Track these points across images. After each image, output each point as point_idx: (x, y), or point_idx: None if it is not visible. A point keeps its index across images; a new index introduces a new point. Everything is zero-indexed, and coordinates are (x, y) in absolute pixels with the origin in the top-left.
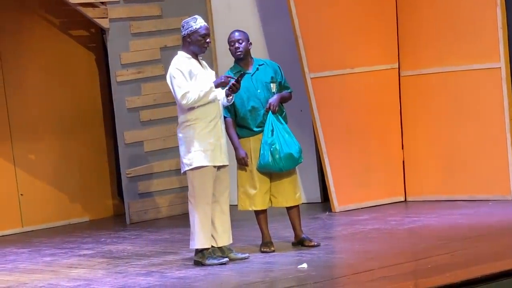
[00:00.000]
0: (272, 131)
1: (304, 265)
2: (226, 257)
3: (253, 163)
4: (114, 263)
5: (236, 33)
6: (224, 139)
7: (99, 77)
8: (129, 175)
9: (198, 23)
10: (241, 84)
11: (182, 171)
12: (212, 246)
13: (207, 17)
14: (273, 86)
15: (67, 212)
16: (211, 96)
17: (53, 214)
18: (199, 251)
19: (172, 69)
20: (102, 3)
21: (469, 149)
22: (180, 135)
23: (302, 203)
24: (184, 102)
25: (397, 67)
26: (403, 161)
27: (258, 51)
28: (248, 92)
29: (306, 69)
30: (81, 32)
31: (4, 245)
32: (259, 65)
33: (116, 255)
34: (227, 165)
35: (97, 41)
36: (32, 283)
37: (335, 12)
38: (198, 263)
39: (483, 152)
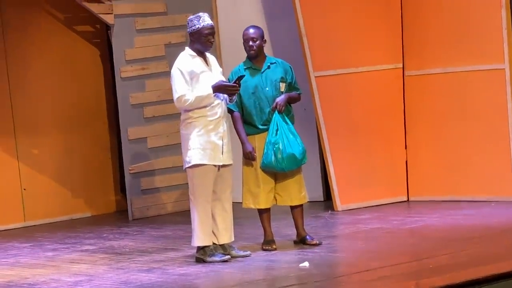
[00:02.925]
0: (277, 130)
1: (306, 264)
2: (227, 255)
3: (257, 161)
4: (116, 259)
5: (251, 30)
6: (227, 139)
7: (103, 73)
8: (132, 171)
9: (201, 21)
10: (241, 85)
11: (183, 168)
12: (214, 244)
13: (212, 13)
14: (282, 86)
15: (70, 207)
16: (208, 101)
17: (56, 209)
18: (200, 248)
19: (174, 68)
20: None
21: (472, 150)
22: (181, 132)
23: None
24: (178, 105)
25: (402, 67)
26: (406, 161)
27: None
28: (256, 89)
29: (310, 68)
30: (86, 28)
31: (6, 239)
32: (271, 63)
33: (118, 251)
34: (230, 164)
35: (101, 37)
36: (33, 278)
37: (340, 11)
38: (199, 260)
39: (486, 153)
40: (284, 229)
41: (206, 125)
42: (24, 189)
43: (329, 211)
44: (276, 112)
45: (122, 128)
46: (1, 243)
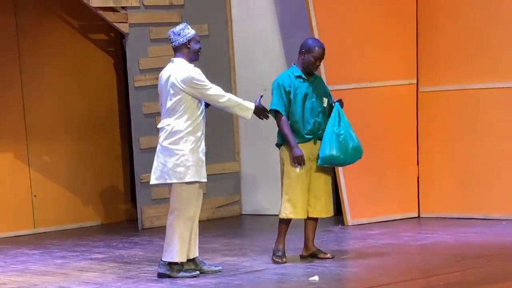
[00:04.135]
0: (339, 122)
1: (316, 278)
2: (197, 270)
3: (298, 171)
4: (125, 268)
5: (322, 49)
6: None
7: (117, 81)
8: (143, 181)
9: (191, 29)
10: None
11: (167, 182)
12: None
13: (227, 25)
14: (325, 101)
15: (80, 215)
16: (238, 112)
17: (66, 216)
18: (167, 264)
19: (196, 75)
20: (123, 7)
21: (484, 167)
22: (168, 146)
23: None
24: (223, 99)
25: (416, 82)
26: (418, 177)
27: (277, 61)
28: (305, 98)
29: (324, 81)
30: (101, 36)
31: (16, 246)
32: (316, 77)
33: (127, 260)
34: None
35: (116, 45)
36: (42, 285)
37: (355, 25)
38: (164, 276)
39: (498, 171)
40: (295, 243)
41: (197, 141)
42: (35, 196)
43: (339, 226)
44: (337, 103)
45: (134, 137)
46: (11, 249)
